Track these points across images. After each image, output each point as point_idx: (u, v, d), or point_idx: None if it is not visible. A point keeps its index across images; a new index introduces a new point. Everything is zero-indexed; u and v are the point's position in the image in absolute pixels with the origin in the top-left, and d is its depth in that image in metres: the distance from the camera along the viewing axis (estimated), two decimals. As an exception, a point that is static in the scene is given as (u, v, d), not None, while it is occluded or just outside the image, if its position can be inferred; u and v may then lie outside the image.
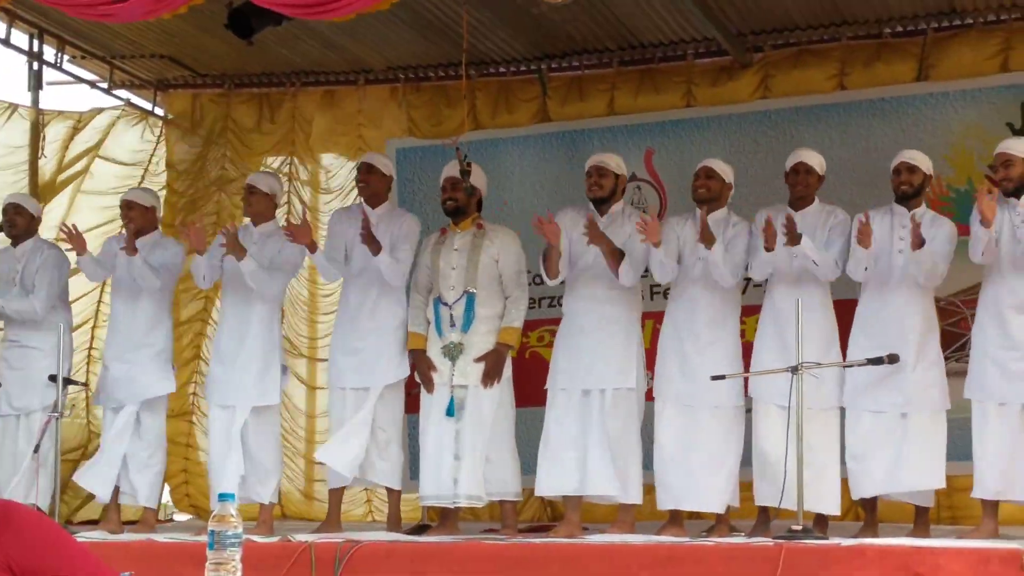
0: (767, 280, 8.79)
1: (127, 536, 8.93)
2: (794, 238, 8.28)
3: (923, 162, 8.60)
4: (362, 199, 9.52)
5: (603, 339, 8.71)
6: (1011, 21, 10.38)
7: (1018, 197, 8.23)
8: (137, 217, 9.64)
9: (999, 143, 8.53)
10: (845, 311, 8.70)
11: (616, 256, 8.63)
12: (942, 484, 8.40)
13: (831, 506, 8.41)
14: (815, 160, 8.77)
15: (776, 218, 8.55)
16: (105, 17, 8.91)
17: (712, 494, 8.53)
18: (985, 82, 10.40)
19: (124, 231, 9.78)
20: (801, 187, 8.71)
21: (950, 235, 8.46)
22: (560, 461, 8.66)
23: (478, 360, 8.88)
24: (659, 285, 9.78)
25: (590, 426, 8.60)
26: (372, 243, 8.97)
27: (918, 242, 8.09)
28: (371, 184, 9.40)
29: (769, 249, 8.36)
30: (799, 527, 7.50)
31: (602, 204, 8.92)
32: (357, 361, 9.21)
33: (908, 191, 8.52)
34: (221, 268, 9.41)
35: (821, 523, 8.40)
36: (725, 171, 8.91)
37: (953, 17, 10.51)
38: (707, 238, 8.45)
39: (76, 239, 9.38)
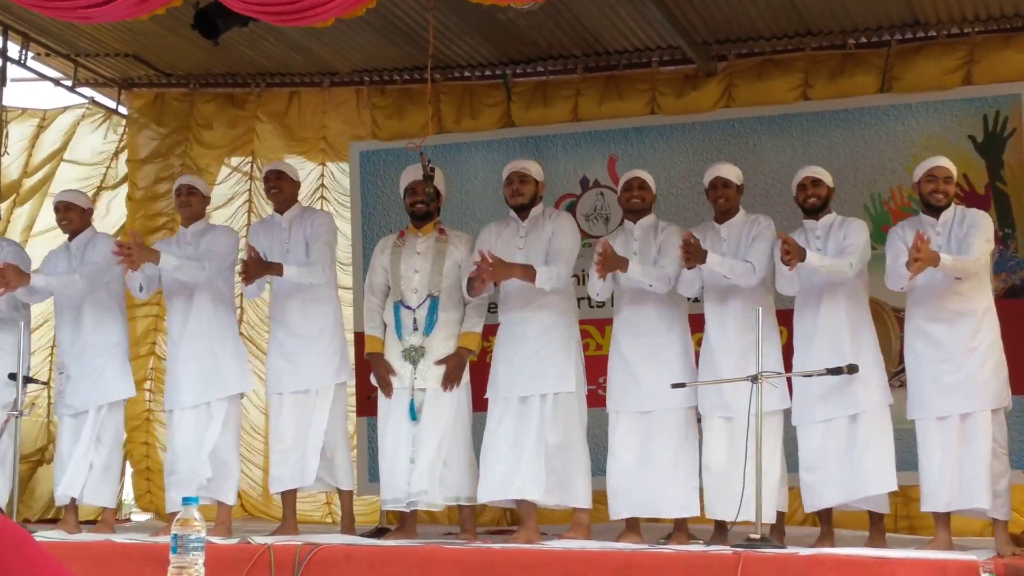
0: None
1: (85, 536, 8.89)
2: (697, 257, 8.36)
3: (826, 176, 8.68)
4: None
5: (541, 346, 8.70)
6: (974, 34, 10.45)
7: (937, 216, 8.32)
8: (76, 218, 9.66)
9: (928, 158, 8.58)
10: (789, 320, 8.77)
11: (529, 273, 8.60)
12: (894, 486, 8.44)
13: (768, 514, 8.38)
14: (731, 172, 8.83)
15: (703, 234, 8.65)
16: (85, 19, 8.92)
17: (671, 499, 8.56)
18: (948, 95, 10.47)
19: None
20: (722, 200, 8.77)
21: (860, 228, 8.53)
22: (496, 468, 8.66)
23: (439, 363, 8.87)
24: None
25: (527, 432, 8.58)
26: (268, 270, 9.04)
27: (799, 256, 8.13)
28: (283, 190, 9.44)
29: (689, 267, 8.44)
30: (757, 536, 7.54)
31: (522, 210, 8.94)
32: (294, 365, 9.21)
33: (817, 203, 8.62)
34: (159, 276, 9.40)
35: (779, 532, 8.43)
36: (652, 182, 8.98)
37: (917, 29, 10.59)
38: (618, 265, 8.51)
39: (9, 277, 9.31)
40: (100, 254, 9.45)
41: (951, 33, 10.53)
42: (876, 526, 8.47)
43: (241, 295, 11.53)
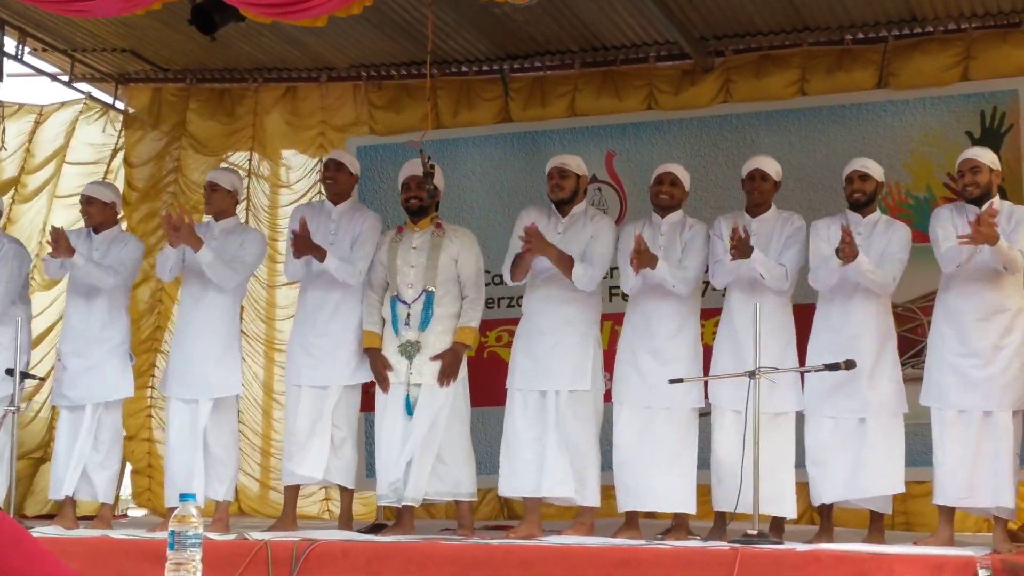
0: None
1: (83, 532, 8.90)
2: (744, 251, 8.32)
3: (875, 170, 8.61)
4: (324, 196, 9.54)
5: (560, 340, 8.70)
6: (971, 30, 10.45)
7: (979, 205, 8.16)
8: (96, 213, 9.63)
9: (964, 150, 8.50)
10: (805, 316, 8.71)
11: (566, 262, 8.60)
12: (901, 489, 8.46)
13: (786, 509, 8.43)
14: (771, 167, 8.79)
15: (730, 220, 8.62)
16: (79, 13, 8.92)
17: (668, 494, 8.56)
18: (945, 90, 10.47)
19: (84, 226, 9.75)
20: (757, 194, 8.73)
21: (905, 240, 8.47)
22: (519, 462, 8.68)
23: (435, 358, 8.86)
24: (618, 286, 9.69)
25: (547, 427, 8.60)
26: (314, 251, 9.01)
27: (851, 254, 8.09)
28: (339, 182, 9.40)
29: (734, 259, 8.38)
30: (754, 531, 7.53)
31: (563, 205, 8.90)
32: (315, 359, 9.18)
33: (861, 199, 8.54)
34: (183, 262, 9.37)
35: (778, 528, 8.43)
36: (686, 178, 8.93)
37: (914, 25, 10.58)
38: (648, 260, 8.45)
39: (61, 245, 9.27)
40: (130, 256, 9.54)
41: (948, 29, 10.53)
42: (875, 525, 8.47)
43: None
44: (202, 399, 9.18)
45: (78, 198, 11.82)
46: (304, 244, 8.98)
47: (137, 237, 10.17)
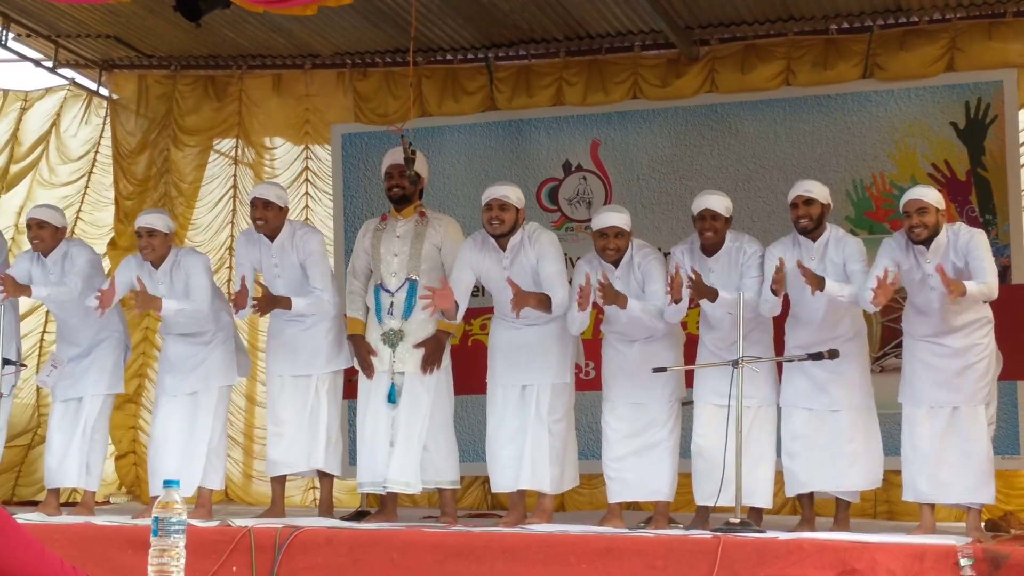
0: None
1: (66, 519, 8.89)
2: (705, 293, 8.23)
3: (820, 192, 8.38)
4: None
5: (540, 336, 8.68)
6: (956, 20, 10.47)
7: (927, 245, 8.04)
8: (48, 238, 9.41)
9: (909, 189, 8.28)
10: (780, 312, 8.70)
11: (544, 303, 8.51)
12: (877, 484, 8.48)
13: (763, 500, 8.45)
14: (720, 204, 8.50)
15: (692, 259, 8.53)
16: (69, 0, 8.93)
17: (659, 484, 8.56)
18: (930, 81, 10.49)
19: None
20: (709, 233, 8.49)
21: (857, 252, 8.33)
22: (502, 458, 8.69)
23: (418, 346, 8.86)
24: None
25: (528, 422, 8.61)
26: (280, 304, 8.96)
27: (816, 284, 7.99)
28: (269, 221, 9.13)
29: (677, 301, 8.25)
30: (737, 520, 7.55)
31: (501, 238, 8.71)
32: (295, 351, 9.18)
33: (808, 225, 8.34)
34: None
35: (755, 515, 8.44)
36: (628, 222, 8.61)
37: (899, 15, 10.60)
38: (617, 300, 8.33)
39: (9, 285, 9.11)
40: (81, 263, 9.36)
41: (933, 19, 10.54)
42: (843, 512, 8.50)
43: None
44: (201, 391, 9.17)
45: (64, 189, 11.84)
46: (268, 304, 8.94)
47: (80, 240, 10.10)
